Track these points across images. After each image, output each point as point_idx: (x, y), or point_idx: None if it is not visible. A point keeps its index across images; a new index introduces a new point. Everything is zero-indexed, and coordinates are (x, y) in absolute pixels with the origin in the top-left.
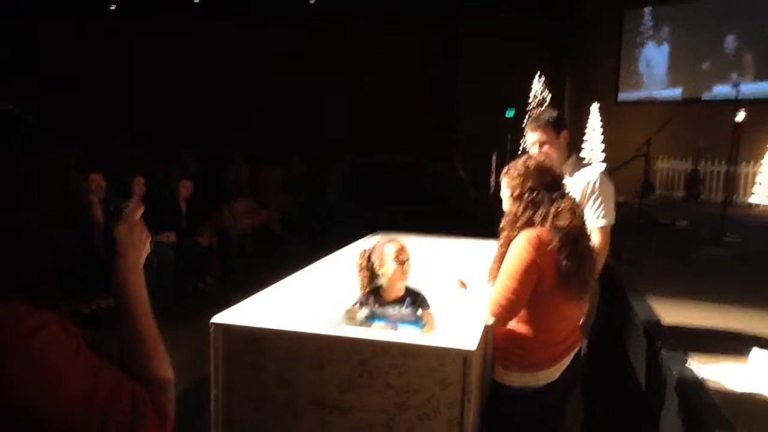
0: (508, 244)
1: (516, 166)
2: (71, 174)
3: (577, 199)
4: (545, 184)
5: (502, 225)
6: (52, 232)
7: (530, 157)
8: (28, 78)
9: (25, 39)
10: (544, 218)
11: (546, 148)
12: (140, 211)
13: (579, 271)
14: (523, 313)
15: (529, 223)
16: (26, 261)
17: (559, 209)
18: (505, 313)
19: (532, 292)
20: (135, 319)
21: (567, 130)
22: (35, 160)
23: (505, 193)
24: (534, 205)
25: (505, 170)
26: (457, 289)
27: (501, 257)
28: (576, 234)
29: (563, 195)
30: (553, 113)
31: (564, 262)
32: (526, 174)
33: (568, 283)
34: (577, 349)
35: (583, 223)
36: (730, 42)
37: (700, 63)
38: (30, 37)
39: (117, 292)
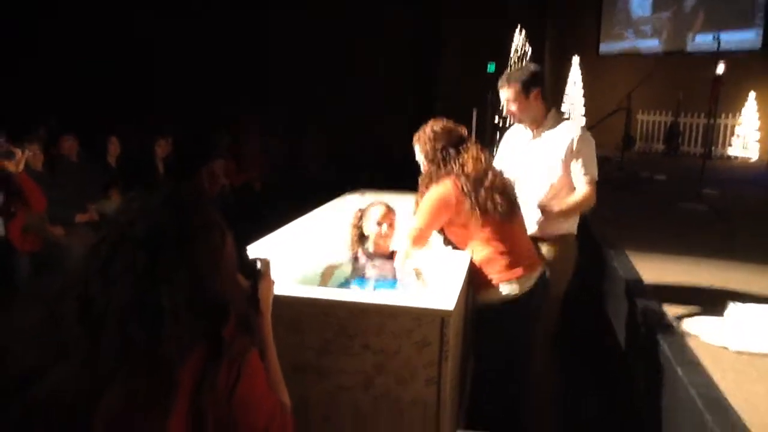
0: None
1: (425, 132)
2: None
3: (562, 156)
4: (452, 143)
5: (420, 183)
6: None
7: (436, 121)
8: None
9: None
10: (451, 170)
11: (513, 106)
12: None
13: (493, 199)
14: (485, 236)
15: (443, 177)
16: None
17: (465, 160)
18: (416, 241)
19: (446, 223)
20: (266, 356)
21: (539, 89)
22: (219, 232)
23: (420, 157)
24: (444, 161)
25: (416, 137)
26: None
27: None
28: (481, 175)
29: (467, 148)
30: (526, 71)
31: (481, 195)
32: (434, 137)
33: (487, 210)
34: (542, 270)
35: (489, 165)
36: None
37: (683, 12)
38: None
39: (255, 334)
